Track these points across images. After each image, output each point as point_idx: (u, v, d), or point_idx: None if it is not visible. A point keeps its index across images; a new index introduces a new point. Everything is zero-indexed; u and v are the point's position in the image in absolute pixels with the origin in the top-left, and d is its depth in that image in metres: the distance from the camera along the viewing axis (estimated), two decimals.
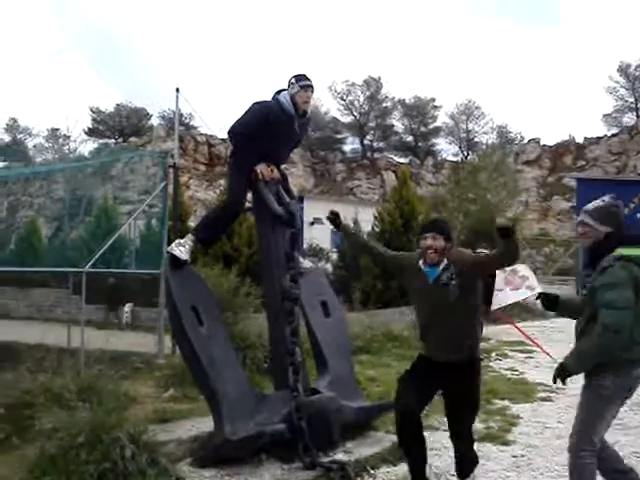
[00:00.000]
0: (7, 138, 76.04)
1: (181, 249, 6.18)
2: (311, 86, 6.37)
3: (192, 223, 20.17)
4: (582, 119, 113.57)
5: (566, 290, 27.60)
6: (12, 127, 75.72)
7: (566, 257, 30.74)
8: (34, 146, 75.16)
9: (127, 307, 18.25)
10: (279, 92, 6.44)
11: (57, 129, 65.34)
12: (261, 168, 6.34)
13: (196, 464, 5.66)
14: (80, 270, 11.35)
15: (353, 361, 7.63)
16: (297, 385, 5.92)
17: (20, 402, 6.40)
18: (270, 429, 5.69)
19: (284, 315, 6.18)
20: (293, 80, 6.35)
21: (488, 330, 16.28)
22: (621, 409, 8.17)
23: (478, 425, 7.37)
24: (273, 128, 6.24)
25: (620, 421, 7.58)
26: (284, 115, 6.27)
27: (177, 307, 5.83)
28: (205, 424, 6.38)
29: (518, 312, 20.28)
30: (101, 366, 7.42)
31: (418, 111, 74.37)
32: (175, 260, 6.16)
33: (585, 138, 66.27)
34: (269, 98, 6.47)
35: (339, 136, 75.21)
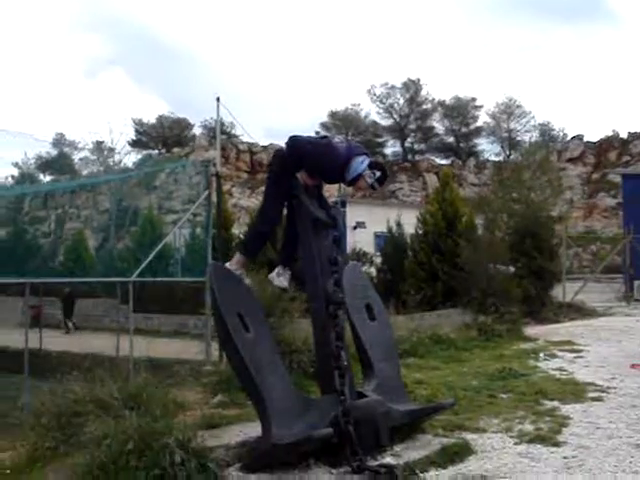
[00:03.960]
0: (54, 152, 77.51)
1: (281, 279, 6.87)
2: (376, 182, 6.31)
3: (236, 230, 20.32)
4: (625, 113, 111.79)
5: (615, 288, 27.21)
6: (59, 141, 77.15)
7: (613, 255, 30.24)
8: (80, 159, 76.51)
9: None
10: (361, 153, 6.39)
11: (102, 142, 66.34)
12: (302, 175, 6.36)
13: (244, 469, 5.68)
14: (127, 280, 11.50)
15: (400, 364, 7.62)
16: (344, 389, 5.91)
17: (69, 411, 6.49)
18: (317, 433, 5.68)
19: (329, 319, 6.19)
20: (368, 170, 6.24)
21: (535, 330, 16.15)
22: None
23: (527, 426, 7.30)
24: (326, 173, 6.43)
25: None
26: (340, 176, 6.35)
27: (223, 314, 5.87)
28: (253, 429, 6.40)
29: (567, 312, 20.08)
30: (149, 374, 7.49)
31: (458, 112, 74.05)
32: (219, 267, 6.28)
33: (629, 133, 65.34)
34: (345, 143, 6.51)
35: (380, 139, 75.18)
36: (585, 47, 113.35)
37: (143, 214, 24.48)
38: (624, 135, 65.16)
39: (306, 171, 6.32)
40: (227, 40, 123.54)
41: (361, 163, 6.23)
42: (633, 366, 10.95)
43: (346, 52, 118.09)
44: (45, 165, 77.24)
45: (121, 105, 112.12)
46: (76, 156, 77.93)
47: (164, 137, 78.96)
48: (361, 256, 23.35)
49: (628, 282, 25.76)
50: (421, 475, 5.72)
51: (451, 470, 5.88)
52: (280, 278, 6.88)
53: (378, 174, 6.24)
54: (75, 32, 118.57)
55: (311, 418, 5.92)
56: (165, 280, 16.31)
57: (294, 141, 6.46)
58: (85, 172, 69.23)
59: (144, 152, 78.75)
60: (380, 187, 6.40)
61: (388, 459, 5.94)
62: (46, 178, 73.29)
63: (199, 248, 15.36)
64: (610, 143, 64.90)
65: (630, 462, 5.99)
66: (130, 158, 72.21)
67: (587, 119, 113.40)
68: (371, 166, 6.24)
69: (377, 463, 5.76)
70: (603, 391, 9.20)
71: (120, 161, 65.08)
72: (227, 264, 6.66)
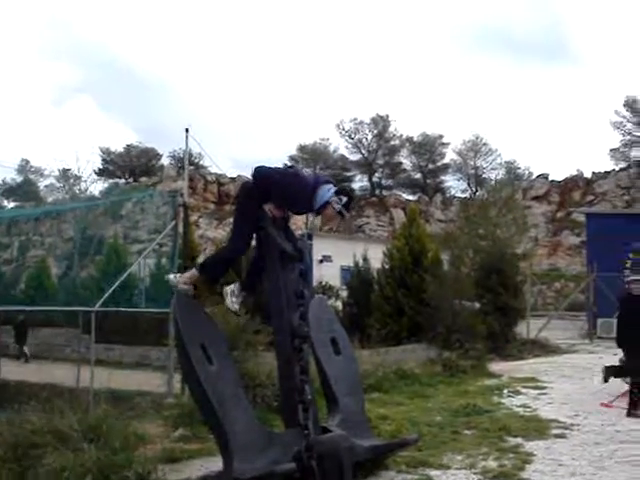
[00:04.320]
0: (19, 178, 76.83)
1: (233, 300, 6.59)
2: (344, 208, 6.30)
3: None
4: (590, 154, 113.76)
5: (578, 325, 27.45)
6: (24, 168, 76.54)
7: (577, 292, 30.56)
8: (45, 186, 75.89)
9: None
10: (327, 181, 6.43)
11: (68, 169, 65.83)
12: (269, 206, 6.34)
13: None
14: (90, 309, 11.36)
15: (364, 399, 7.57)
16: (307, 423, 5.85)
17: (27, 442, 6.35)
18: (280, 468, 5.61)
19: (294, 353, 6.14)
20: (335, 197, 6.25)
21: (499, 366, 16.20)
22: (637, 445, 8.08)
23: (491, 463, 7.28)
24: (294, 202, 6.40)
25: (636, 457, 7.49)
26: (308, 205, 6.33)
27: (185, 344, 5.80)
28: (214, 464, 6.31)
29: (531, 349, 20.18)
30: (109, 405, 7.37)
31: (426, 148, 74.78)
32: (182, 297, 6.23)
33: (593, 173, 66.42)
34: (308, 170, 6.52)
35: (348, 174, 75.55)
36: (551, 87, 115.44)
37: (108, 243, 24.28)
38: (588, 175, 66.30)
39: (273, 202, 6.30)
40: (197, 71, 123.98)
41: (327, 191, 6.23)
42: (603, 404, 11.00)
43: (316, 86, 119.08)
44: (9, 191, 76.56)
45: (88, 133, 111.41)
46: (41, 183, 77.41)
47: (131, 166, 78.61)
48: (327, 290, 23.32)
49: (591, 320, 25.98)
50: None
51: None
52: (232, 299, 6.61)
53: (345, 199, 6.24)
54: (42, 59, 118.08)
55: (274, 453, 5.85)
56: (129, 310, 16.13)
57: (260, 171, 6.45)
58: (50, 199, 68.64)
59: (111, 181, 78.33)
60: (348, 213, 6.38)
61: None
62: (10, 204, 72.63)
63: (164, 279, 15.23)
64: (575, 182, 65.87)
65: None
66: (97, 186, 71.88)
67: (552, 158, 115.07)
68: (337, 192, 6.25)
69: None
70: (566, 428, 9.23)
71: (86, 189, 64.68)
72: (178, 274, 6.67)
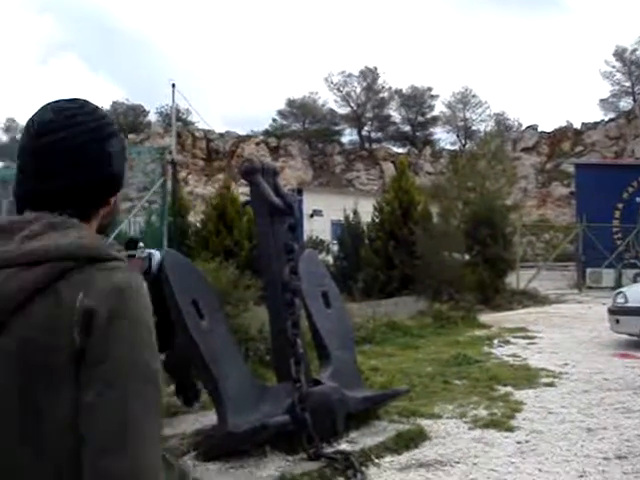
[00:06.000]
0: (5, 138, 76.02)
1: None
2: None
3: (192, 218, 20.14)
4: (579, 105, 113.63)
5: (568, 276, 27.63)
6: (10, 127, 75.70)
7: (566, 243, 30.69)
8: None
9: None
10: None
11: None
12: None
13: (200, 458, 5.66)
14: None
15: (356, 351, 7.64)
16: (299, 376, 5.91)
17: None
18: (273, 421, 5.68)
19: (285, 307, 6.18)
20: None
21: (489, 317, 16.34)
22: (624, 392, 8.22)
23: (481, 412, 7.39)
24: None
25: (623, 405, 7.60)
26: None
27: (177, 302, 5.82)
28: (208, 418, 6.38)
29: (520, 299, 20.33)
30: None
31: (415, 101, 74.21)
32: (172, 255, 6.25)
33: (582, 124, 66.17)
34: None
35: (337, 128, 75.03)
36: (541, 37, 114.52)
37: None
38: (578, 126, 66.05)
39: None
40: (184, 27, 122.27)
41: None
42: (619, 355, 11.06)
43: (304, 40, 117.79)
44: None
45: (74, 91, 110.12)
46: None
47: (119, 124, 76.89)
48: (318, 244, 23.33)
49: (580, 270, 26.16)
50: (376, 461, 5.76)
51: (406, 456, 5.93)
52: None
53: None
54: (27, 14, 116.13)
55: (267, 406, 5.92)
56: None
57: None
58: None
59: None
60: None
61: (344, 446, 5.97)
62: None
63: (154, 236, 15.22)
64: (564, 133, 65.62)
65: (581, 446, 6.10)
66: None
67: (541, 110, 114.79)
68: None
69: (333, 450, 5.79)
70: (555, 377, 9.35)
71: None
72: None
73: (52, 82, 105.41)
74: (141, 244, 7.07)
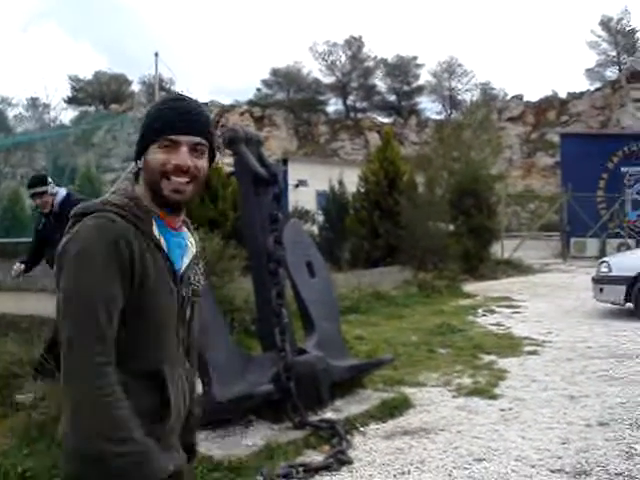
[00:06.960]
0: None
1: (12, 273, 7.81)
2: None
3: None
4: (565, 74, 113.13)
5: (552, 245, 27.80)
6: None
7: (551, 213, 30.82)
8: (14, 116, 74.22)
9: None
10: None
11: (36, 98, 64.28)
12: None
13: None
14: None
15: (341, 321, 7.66)
16: (284, 346, 5.92)
17: (7, 373, 6.40)
18: (259, 390, 5.70)
19: (269, 277, 6.16)
20: None
21: (473, 286, 16.42)
22: (608, 360, 8.29)
23: (465, 380, 7.44)
24: None
25: (606, 372, 7.67)
26: None
27: None
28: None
29: (505, 269, 20.44)
30: None
31: (400, 70, 73.84)
32: None
33: (568, 93, 66.13)
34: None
35: (322, 97, 74.66)
36: (527, 7, 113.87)
37: (81, 172, 23.94)
38: (563, 95, 66.02)
39: None
40: None
41: None
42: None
43: (288, 9, 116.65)
44: None
45: (56, 60, 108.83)
46: (10, 113, 75.69)
47: (101, 93, 76.93)
48: (303, 214, 23.29)
49: (565, 240, 26.32)
50: (361, 429, 5.80)
51: (391, 424, 5.97)
52: (13, 272, 7.79)
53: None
54: None
55: (252, 375, 5.93)
56: None
57: None
58: (20, 129, 67.31)
59: (81, 109, 76.82)
60: None
61: (329, 414, 6.00)
62: None
63: None
64: (549, 103, 65.57)
65: (564, 413, 6.16)
66: (67, 115, 70.45)
67: (527, 79, 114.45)
68: None
69: (318, 418, 5.82)
70: (539, 345, 9.43)
71: (56, 118, 63.37)
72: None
73: (33, 50, 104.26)
74: (50, 179, 7.21)
